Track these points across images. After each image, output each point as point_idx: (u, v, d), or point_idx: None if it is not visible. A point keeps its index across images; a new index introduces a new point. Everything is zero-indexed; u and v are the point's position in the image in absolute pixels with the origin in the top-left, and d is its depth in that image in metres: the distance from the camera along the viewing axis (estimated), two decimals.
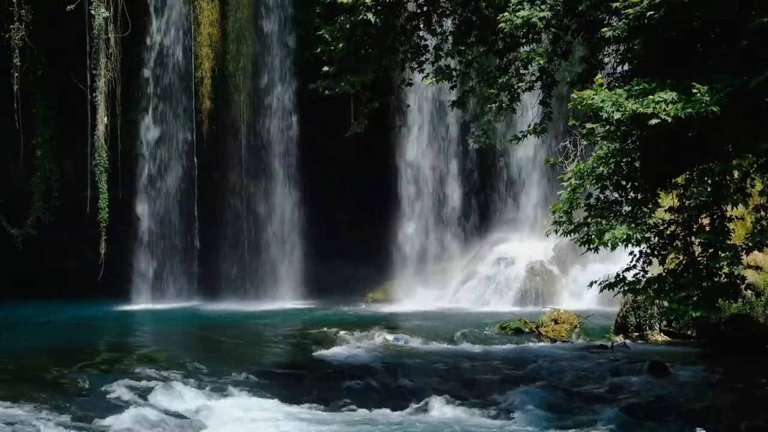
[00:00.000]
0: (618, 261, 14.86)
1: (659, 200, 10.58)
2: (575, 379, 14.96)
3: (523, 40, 12.37)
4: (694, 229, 10.40)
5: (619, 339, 18.41)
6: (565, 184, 10.47)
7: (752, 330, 16.90)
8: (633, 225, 10.03)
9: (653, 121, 9.28)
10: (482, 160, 29.98)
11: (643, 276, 10.92)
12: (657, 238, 10.67)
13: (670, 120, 9.21)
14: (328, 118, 27.11)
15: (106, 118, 28.77)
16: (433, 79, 13.54)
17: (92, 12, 27.91)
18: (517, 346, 18.18)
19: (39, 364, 15.88)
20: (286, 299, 28.90)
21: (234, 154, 30.55)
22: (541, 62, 11.73)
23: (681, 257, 10.64)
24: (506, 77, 12.85)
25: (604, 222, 10.13)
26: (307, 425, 12.20)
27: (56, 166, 31.32)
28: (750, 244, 10.16)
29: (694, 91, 9.12)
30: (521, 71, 12.56)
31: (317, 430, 12.01)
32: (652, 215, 10.27)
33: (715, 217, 10.39)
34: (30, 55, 29.51)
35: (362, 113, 14.57)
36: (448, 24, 13.97)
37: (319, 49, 13.06)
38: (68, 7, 27.22)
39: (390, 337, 19.26)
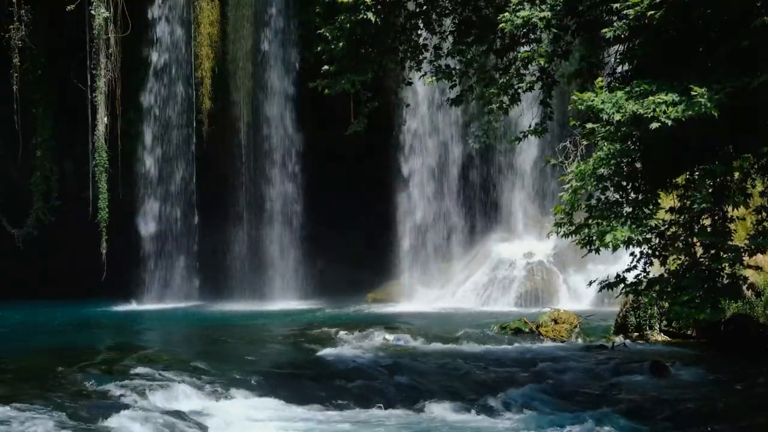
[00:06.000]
0: (619, 261, 14.88)
1: (660, 201, 10.57)
2: (575, 379, 14.95)
3: (523, 40, 12.36)
4: (696, 230, 10.39)
5: (619, 339, 18.39)
6: (566, 185, 10.46)
7: (752, 330, 16.89)
8: (634, 226, 10.02)
9: (654, 125, 9.28)
10: (482, 160, 29.99)
11: (644, 277, 10.91)
12: (658, 239, 10.66)
13: (670, 123, 9.21)
14: (328, 117, 27.16)
15: (106, 118, 28.81)
16: (433, 78, 13.54)
17: (92, 12, 27.95)
18: (518, 346, 18.17)
19: (39, 364, 15.89)
20: (286, 299, 28.93)
21: (234, 153, 30.57)
22: (542, 62, 11.72)
23: (682, 258, 10.63)
24: (506, 77, 12.84)
25: (604, 223, 10.12)
26: (308, 425, 12.19)
27: (56, 166, 31.37)
28: (751, 246, 10.14)
29: (693, 93, 9.12)
30: (521, 71, 12.55)
31: (317, 430, 12.01)
32: (653, 216, 10.26)
33: (716, 217, 10.39)
34: (30, 55, 29.57)
35: (362, 112, 14.58)
36: (447, 23, 13.97)
37: (319, 48, 13.06)
38: (68, 7, 27.27)
39: (390, 337, 19.25)
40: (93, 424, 11.61)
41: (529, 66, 12.24)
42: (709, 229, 10.28)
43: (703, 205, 9.85)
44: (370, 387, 14.32)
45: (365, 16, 12.34)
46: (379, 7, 12.50)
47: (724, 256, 10.03)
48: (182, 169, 30.64)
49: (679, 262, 10.72)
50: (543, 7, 11.14)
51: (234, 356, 17.73)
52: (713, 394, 13.87)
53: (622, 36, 10.52)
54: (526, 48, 12.12)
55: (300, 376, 15.26)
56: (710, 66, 9.68)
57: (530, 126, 12.99)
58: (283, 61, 29.95)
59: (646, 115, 9.32)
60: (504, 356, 17.06)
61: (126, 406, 12.32)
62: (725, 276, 10.39)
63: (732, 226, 10.44)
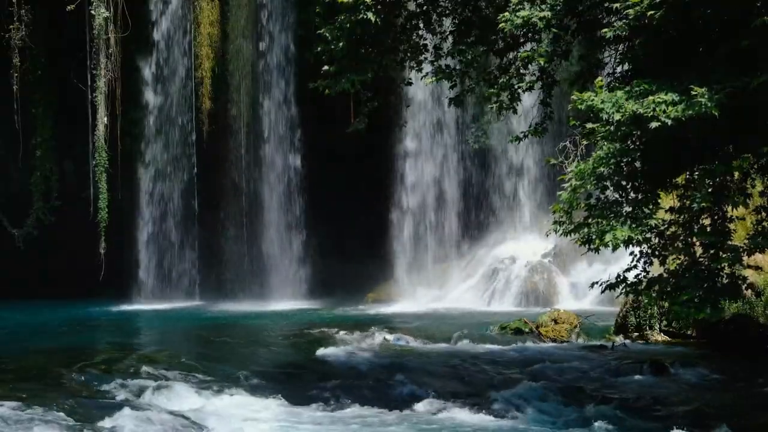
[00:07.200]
0: (619, 260, 14.89)
1: (659, 200, 10.58)
2: (575, 379, 14.96)
3: (522, 40, 12.37)
4: (695, 230, 10.40)
5: (619, 339, 18.40)
6: (566, 184, 10.46)
7: (752, 330, 16.90)
8: (633, 226, 10.02)
9: (654, 125, 9.28)
10: (482, 160, 29.98)
11: (644, 277, 10.92)
12: (658, 239, 10.67)
13: (670, 123, 9.21)
14: (328, 117, 27.15)
15: (106, 118, 28.81)
16: (433, 78, 13.54)
17: (92, 12, 27.95)
18: (518, 346, 18.17)
19: (39, 364, 15.87)
20: (286, 299, 28.91)
21: (234, 153, 30.57)
22: (542, 62, 11.72)
23: (682, 258, 10.63)
24: (506, 77, 12.84)
25: (604, 222, 10.13)
26: (307, 425, 12.19)
27: (56, 166, 31.37)
28: (751, 246, 10.15)
29: (693, 93, 9.12)
30: (521, 71, 12.55)
31: (317, 430, 12.01)
32: (653, 216, 10.26)
33: (716, 217, 10.39)
34: (30, 55, 29.56)
35: (362, 112, 14.58)
36: (447, 23, 13.97)
37: (319, 48, 13.07)
38: (68, 7, 27.26)
39: (390, 337, 19.25)
40: (93, 424, 11.60)
41: (529, 66, 12.25)
42: (708, 229, 10.28)
43: (703, 204, 9.85)
44: (370, 387, 14.32)
45: (365, 16, 12.35)
46: (379, 7, 12.50)
47: (724, 255, 10.04)
48: (182, 169, 30.64)
49: (678, 261, 10.73)
50: (543, 7, 11.14)
51: (234, 356, 17.72)
52: (713, 394, 13.88)
53: (622, 36, 10.52)
54: (526, 48, 12.12)
55: (300, 376, 15.26)
56: (710, 66, 9.67)
57: (530, 126, 13.00)
58: (283, 61, 29.95)
59: (646, 115, 9.33)
60: (504, 356, 17.06)
61: (126, 406, 12.31)
62: (725, 276, 10.39)
63: (732, 226, 10.44)
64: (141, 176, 30.58)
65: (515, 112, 13.21)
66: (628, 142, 10.06)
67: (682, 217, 10.60)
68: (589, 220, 10.37)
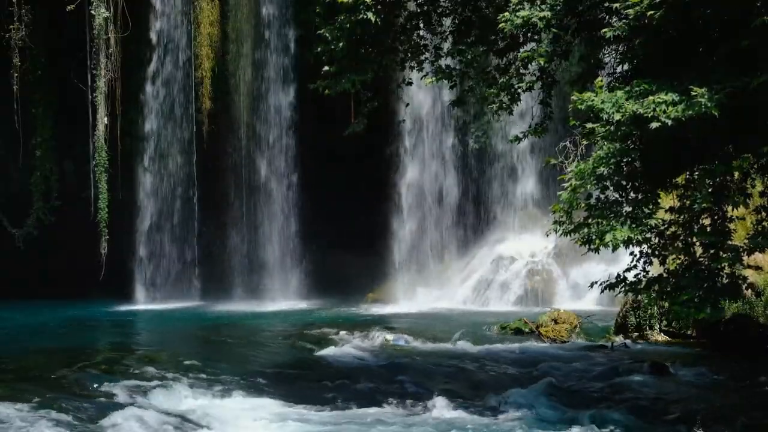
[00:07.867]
0: (619, 260, 14.89)
1: (659, 200, 10.58)
2: (575, 380, 14.95)
3: (522, 40, 12.37)
4: (695, 230, 10.40)
5: (619, 339, 18.40)
6: (566, 184, 10.47)
7: (752, 330, 16.89)
8: (633, 226, 10.03)
9: (654, 125, 9.29)
10: (482, 160, 29.98)
11: (644, 276, 10.92)
12: (657, 239, 10.67)
13: (670, 123, 9.22)
14: (328, 117, 27.15)
15: (106, 118, 28.82)
16: (433, 78, 13.55)
17: (92, 12, 27.96)
18: (517, 346, 18.17)
19: (39, 364, 15.89)
20: (286, 299, 28.91)
21: (234, 153, 30.57)
22: (542, 62, 11.72)
23: (682, 258, 10.64)
24: (506, 77, 12.85)
25: (604, 222, 10.13)
26: (307, 425, 12.19)
27: (56, 166, 31.38)
28: (751, 246, 10.15)
29: (693, 93, 9.13)
30: (521, 71, 12.56)
31: (317, 430, 12.01)
32: (653, 216, 10.27)
33: (716, 217, 10.39)
34: (30, 55, 29.58)
35: (362, 112, 14.59)
36: (447, 23, 13.98)
37: (319, 49, 13.07)
38: (68, 7, 27.28)
39: (390, 337, 19.25)
40: (93, 424, 11.61)
41: (529, 66, 12.25)
42: (708, 229, 10.29)
43: (703, 204, 9.86)
44: (370, 387, 14.32)
45: (365, 16, 12.36)
46: (379, 7, 12.51)
47: (724, 255, 10.04)
48: (182, 169, 30.64)
49: (678, 261, 10.73)
50: (543, 7, 11.15)
51: (234, 356, 17.73)
52: (713, 394, 13.88)
53: (622, 36, 10.53)
54: (526, 48, 12.13)
55: (300, 376, 15.27)
56: (710, 66, 9.68)
57: (530, 126, 13.00)
58: (283, 61, 29.95)
59: (646, 115, 9.34)
60: (504, 356, 17.06)
61: (126, 406, 12.32)
62: (725, 276, 10.39)
63: (732, 226, 10.44)
64: (141, 176, 30.58)
65: (511, 113, 13.22)
66: (628, 142, 10.06)
67: (682, 217, 10.60)
68: (589, 220, 10.37)
